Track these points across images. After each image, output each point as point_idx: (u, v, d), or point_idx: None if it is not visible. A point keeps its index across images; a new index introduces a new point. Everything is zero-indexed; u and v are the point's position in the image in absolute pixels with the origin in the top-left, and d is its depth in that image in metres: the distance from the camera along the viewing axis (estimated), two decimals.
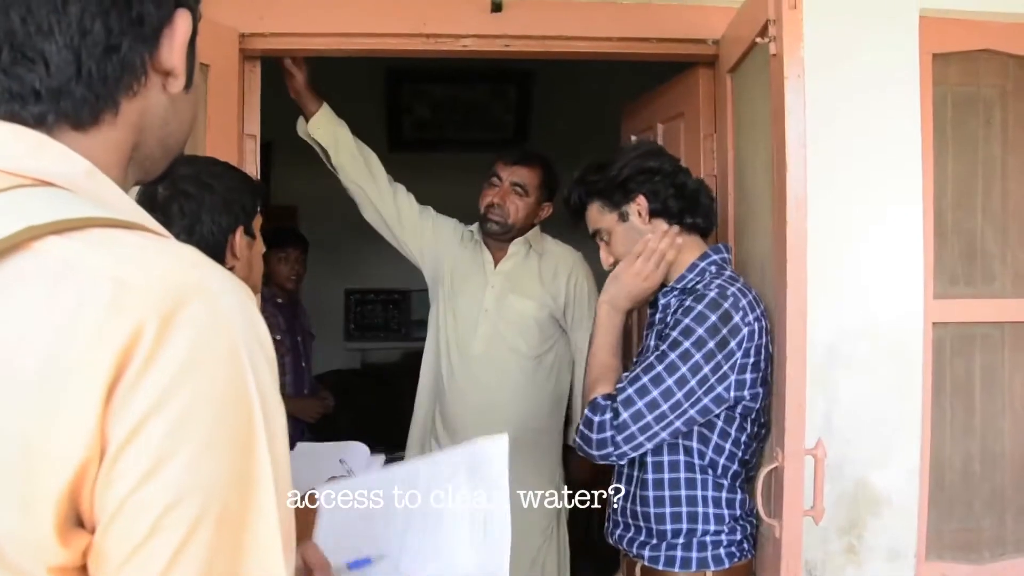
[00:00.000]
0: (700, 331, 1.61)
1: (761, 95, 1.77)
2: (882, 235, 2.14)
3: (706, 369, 1.61)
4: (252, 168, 2.18)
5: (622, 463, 1.74)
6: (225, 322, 0.58)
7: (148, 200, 1.45)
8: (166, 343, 0.55)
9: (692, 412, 1.63)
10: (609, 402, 1.65)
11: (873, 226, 2.14)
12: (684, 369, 1.60)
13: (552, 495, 2.57)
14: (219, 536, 0.55)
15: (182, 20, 0.70)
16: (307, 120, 2.46)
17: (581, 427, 1.68)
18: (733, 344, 1.61)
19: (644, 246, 1.75)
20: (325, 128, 2.47)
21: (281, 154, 3.69)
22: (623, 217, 1.77)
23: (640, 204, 1.75)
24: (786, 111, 1.58)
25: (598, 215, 1.80)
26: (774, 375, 1.67)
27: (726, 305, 1.62)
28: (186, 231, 1.45)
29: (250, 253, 1.55)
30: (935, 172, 2.18)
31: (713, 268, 1.75)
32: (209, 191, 1.49)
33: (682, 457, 1.69)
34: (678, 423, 1.63)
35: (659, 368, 1.62)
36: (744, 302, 1.64)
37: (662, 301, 1.79)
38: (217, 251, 1.48)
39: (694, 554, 1.69)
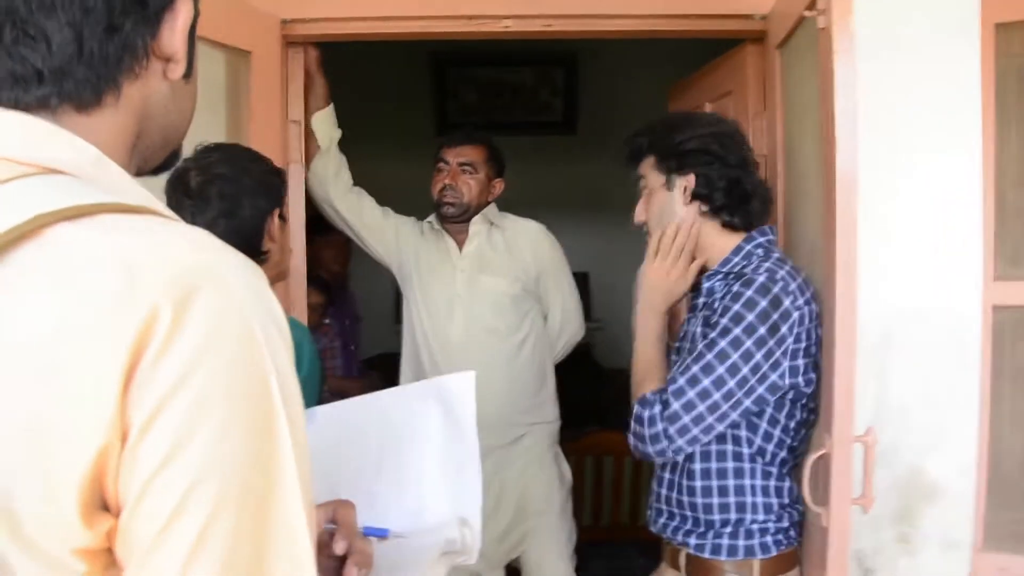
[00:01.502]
0: (751, 317, 1.56)
1: (811, 71, 1.72)
2: (939, 215, 2.06)
3: (758, 356, 1.56)
4: (296, 154, 2.20)
5: (678, 458, 1.70)
6: (239, 303, 0.58)
7: (182, 186, 1.47)
8: (182, 326, 0.55)
9: (747, 402, 1.58)
10: (658, 395, 1.61)
11: (930, 205, 2.06)
12: (736, 357, 1.56)
13: (551, 472, 2.59)
14: (243, 515, 0.56)
15: (184, 5, 0.69)
16: (311, 107, 2.42)
17: (633, 425, 1.65)
18: (784, 329, 1.57)
19: (657, 243, 1.72)
20: (323, 128, 2.47)
21: None
22: (669, 185, 1.72)
23: (688, 182, 1.70)
24: (835, 87, 1.52)
25: (650, 170, 1.76)
26: (823, 360, 1.63)
27: (776, 290, 1.57)
28: (226, 214, 1.46)
29: (283, 237, 1.56)
30: (996, 149, 2.08)
31: (760, 251, 1.69)
32: (247, 174, 1.50)
33: (730, 447, 1.65)
34: (733, 414, 1.59)
35: (709, 356, 1.57)
36: (794, 285, 1.59)
37: (706, 285, 1.74)
38: (256, 234, 1.50)
39: (741, 542, 1.65)
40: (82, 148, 0.64)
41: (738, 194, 1.69)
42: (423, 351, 2.55)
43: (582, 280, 5.36)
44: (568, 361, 2.80)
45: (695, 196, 1.70)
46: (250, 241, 1.49)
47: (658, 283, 1.74)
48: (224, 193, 1.47)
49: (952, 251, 2.06)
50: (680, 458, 1.70)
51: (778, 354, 1.57)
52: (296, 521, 0.58)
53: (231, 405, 0.56)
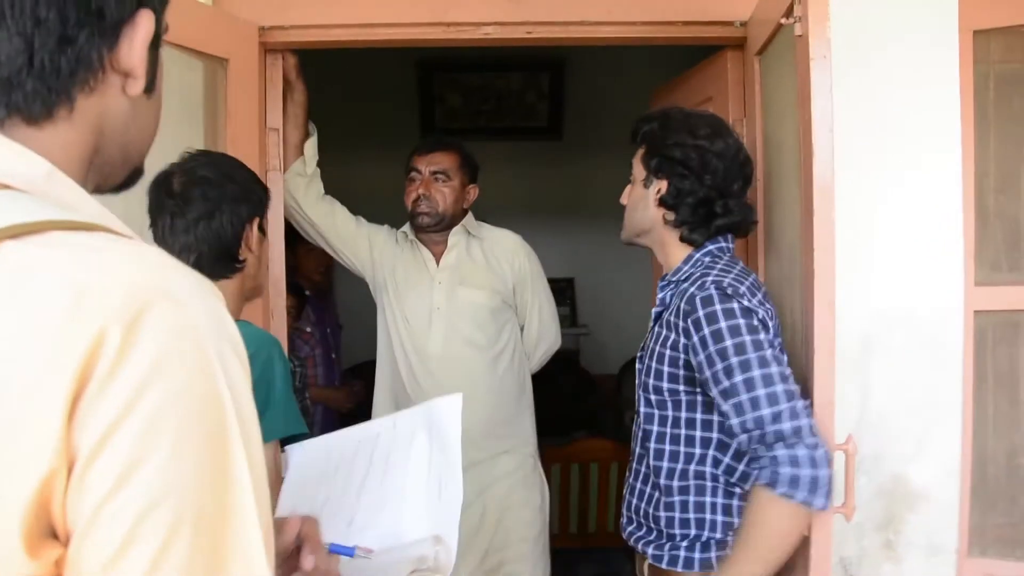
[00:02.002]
0: (738, 321, 1.52)
1: (789, 78, 1.72)
2: (920, 220, 2.06)
3: (766, 350, 1.51)
4: (275, 161, 2.18)
5: (647, 469, 1.68)
6: (192, 324, 0.57)
7: (165, 186, 1.46)
8: (131, 349, 0.53)
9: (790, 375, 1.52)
10: (770, 446, 1.46)
11: (910, 211, 2.06)
12: (752, 355, 1.50)
13: (535, 497, 2.57)
14: (198, 540, 0.54)
15: (144, 20, 0.67)
16: (290, 114, 2.37)
17: (797, 493, 1.44)
18: (760, 322, 1.55)
19: None
20: (311, 151, 2.45)
21: None
22: (646, 182, 1.73)
23: (661, 188, 1.70)
24: (812, 93, 1.52)
25: (637, 161, 1.77)
26: (803, 368, 1.62)
27: (731, 292, 1.55)
28: (206, 216, 1.46)
29: (260, 249, 1.54)
30: (976, 154, 2.09)
31: (707, 258, 1.68)
32: (231, 181, 1.49)
33: (694, 466, 1.64)
34: (794, 386, 1.51)
35: (738, 378, 1.49)
36: (744, 288, 1.58)
37: (660, 295, 1.75)
38: (233, 242, 1.49)
39: (697, 555, 1.64)
40: (33, 162, 0.62)
41: (703, 213, 1.68)
42: (401, 363, 2.52)
43: (568, 285, 5.38)
44: (554, 368, 2.78)
45: (662, 203, 1.70)
46: (227, 247, 1.48)
47: None
48: (207, 196, 1.46)
49: (933, 256, 2.06)
50: (651, 473, 1.70)
51: (773, 344, 1.55)
52: (253, 544, 0.57)
53: (184, 428, 0.54)
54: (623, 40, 2.21)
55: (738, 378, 1.50)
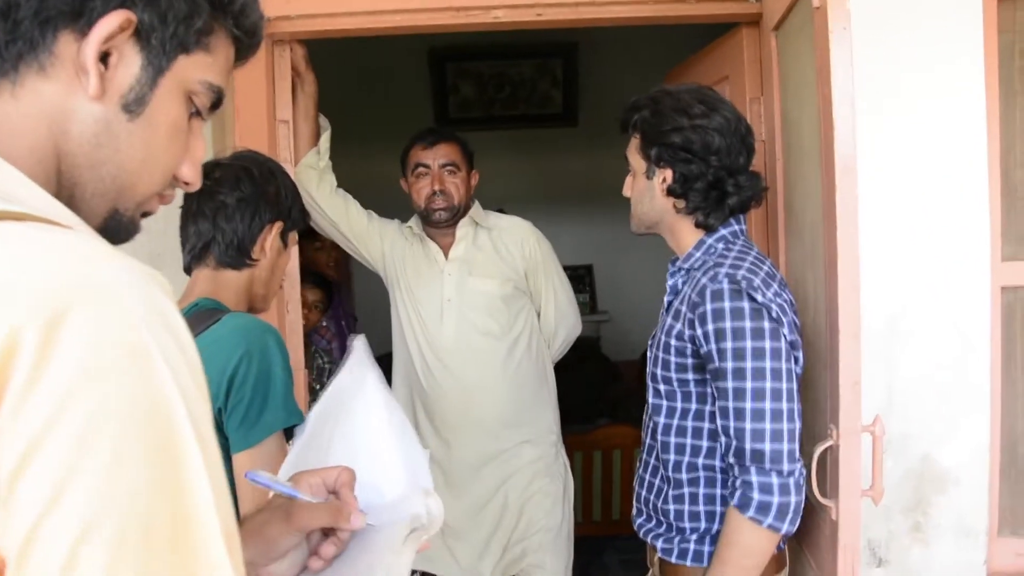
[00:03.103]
0: (729, 324, 1.49)
1: (807, 53, 1.67)
2: (944, 196, 2.01)
3: (781, 344, 1.49)
4: (286, 154, 2.16)
5: (657, 462, 1.65)
6: (126, 320, 0.51)
7: (204, 170, 1.45)
8: (53, 352, 0.48)
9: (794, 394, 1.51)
10: (751, 467, 1.47)
11: (934, 187, 2.01)
12: (769, 363, 1.47)
13: (558, 487, 2.55)
14: (150, 557, 0.49)
15: (112, 18, 0.63)
16: (300, 106, 2.34)
17: (769, 520, 1.47)
18: (776, 319, 1.50)
19: None
20: (324, 146, 2.43)
21: None
22: (648, 173, 1.66)
23: (666, 177, 1.63)
24: (832, 66, 1.47)
25: (633, 152, 1.69)
26: (828, 350, 1.59)
27: (744, 287, 1.49)
28: (232, 206, 1.46)
29: (276, 258, 1.53)
30: (1001, 128, 2.03)
31: (720, 244, 1.64)
32: (268, 182, 1.49)
33: (702, 459, 1.61)
34: (798, 406, 1.51)
35: (749, 384, 1.47)
36: (758, 281, 1.52)
37: (670, 282, 1.71)
38: (248, 237, 1.47)
39: (706, 548, 1.61)
40: None
41: (716, 196, 1.62)
42: (415, 356, 2.51)
43: (586, 272, 5.34)
44: (575, 355, 2.75)
45: (670, 192, 1.64)
46: (241, 242, 1.47)
47: None
48: (240, 187, 1.46)
49: (958, 232, 2.01)
50: (660, 466, 1.67)
51: (784, 345, 1.51)
52: (215, 553, 0.52)
53: (123, 436, 0.49)
54: (635, 20, 2.17)
55: (729, 384, 1.49)
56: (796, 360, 1.56)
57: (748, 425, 1.47)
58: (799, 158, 1.85)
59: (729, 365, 1.49)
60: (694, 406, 1.61)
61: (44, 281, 0.50)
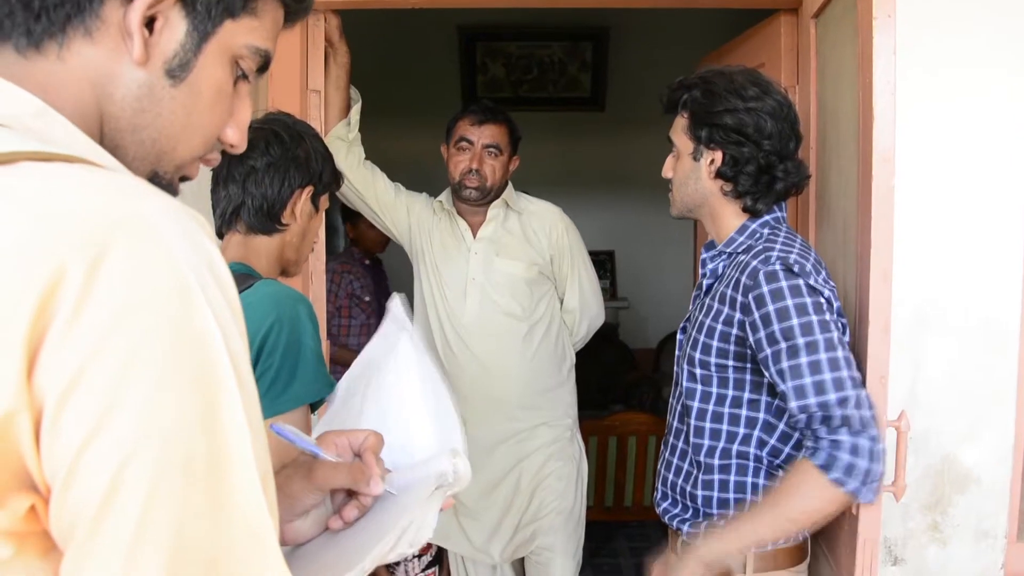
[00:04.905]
0: (792, 302, 1.45)
1: (848, 41, 1.65)
2: (976, 190, 1.98)
3: (834, 332, 1.45)
4: (317, 124, 2.16)
5: (686, 446, 1.64)
6: (167, 253, 0.52)
7: None
8: (97, 284, 0.49)
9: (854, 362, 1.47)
10: (824, 426, 1.43)
11: (966, 181, 1.98)
12: (819, 336, 1.44)
13: (571, 469, 2.55)
14: (190, 487, 0.51)
15: None
16: (332, 76, 2.34)
17: (845, 478, 1.42)
18: (825, 300, 1.49)
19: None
20: (355, 119, 2.43)
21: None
22: (696, 154, 1.63)
23: (715, 159, 1.61)
24: (874, 55, 1.45)
25: (680, 131, 1.66)
26: (855, 342, 1.57)
27: (797, 270, 1.48)
28: (262, 169, 1.46)
29: (307, 223, 1.52)
30: None
31: (766, 230, 1.61)
32: (298, 145, 1.48)
33: (736, 446, 1.59)
34: (858, 372, 1.47)
35: (804, 359, 1.43)
36: (809, 266, 1.51)
37: (710, 266, 1.68)
38: (278, 201, 1.47)
39: None
40: (23, 100, 0.59)
41: (766, 181, 1.59)
42: (435, 331, 2.51)
43: (608, 258, 5.33)
44: (593, 341, 2.75)
45: (719, 175, 1.62)
46: (271, 205, 1.47)
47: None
48: (269, 151, 1.46)
49: (990, 227, 1.98)
50: (689, 450, 1.65)
51: (839, 327, 1.49)
52: (249, 487, 0.53)
53: (164, 366, 0.50)
54: (669, 3, 2.14)
55: (803, 359, 1.44)
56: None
57: (832, 395, 1.41)
58: (834, 147, 1.83)
59: (800, 341, 1.44)
60: (731, 392, 1.59)
61: (87, 216, 0.51)
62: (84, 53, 0.63)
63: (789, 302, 1.46)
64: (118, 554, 0.49)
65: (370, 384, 0.96)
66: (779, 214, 1.64)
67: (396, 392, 0.95)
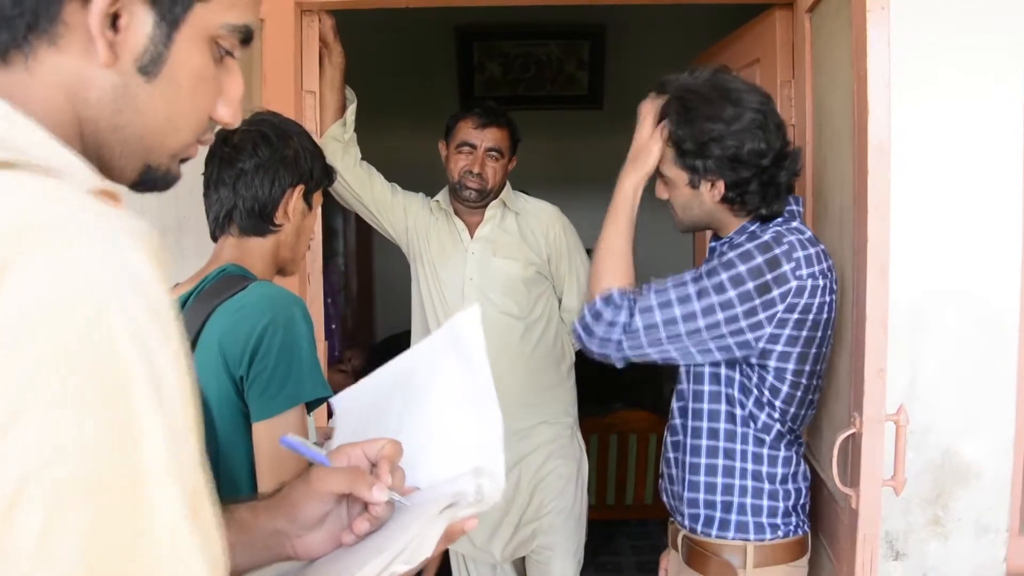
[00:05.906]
0: (741, 268, 1.51)
1: (842, 35, 1.64)
2: (974, 184, 1.97)
3: (739, 309, 1.51)
4: (311, 125, 2.15)
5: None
6: (85, 264, 0.49)
7: (223, 137, 1.45)
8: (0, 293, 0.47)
9: (711, 345, 1.54)
10: (626, 302, 1.56)
11: (964, 176, 1.97)
12: (715, 299, 1.51)
13: (571, 469, 2.55)
14: (99, 507, 0.48)
15: None
16: (327, 77, 2.34)
17: (587, 316, 1.59)
18: (776, 294, 1.50)
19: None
20: (350, 119, 2.42)
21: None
22: (692, 183, 1.61)
23: (717, 186, 1.59)
24: (868, 48, 1.45)
25: (668, 165, 1.63)
26: (853, 336, 1.57)
27: (777, 251, 1.51)
28: (251, 171, 1.45)
29: (301, 221, 1.52)
30: None
31: (779, 218, 1.63)
32: (286, 144, 1.47)
33: (722, 444, 1.64)
34: (693, 349, 1.55)
35: (691, 289, 1.53)
36: (801, 254, 1.52)
37: (717, 248, 1.70)
38: (269, 203, 1.46)
39: (734, 516, 1.63)
40: None
41: (773, 192, 1.60)
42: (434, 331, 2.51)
43: None
44: None
45: (725, 200, 1.62)
46: (263, 206, 1.46)
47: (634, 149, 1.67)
48: (258, 152, 1.45)
49: (988, 221, 1.97)
50: (687, 439, 1.68)
51: (762, 316, 1.51)
52: (172, 513, 0.50)
53: (68, 382, 0.47)
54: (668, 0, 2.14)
55: (690, 289, 1.54)
56: (775, 339, 1.54)
57: (653, 300, 1.56)
58: (830, 142, 1.82)
59: (702, 270, 1.55)
60: (717, 388, 1.63)
61: (6, 222, 0.49)
62: (51, 61, 0.61)
63: (734, 257, 1.52)
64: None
65: (408, 400, 0.95)
66: (795, 208, 1.65)
67: (437, 413, 0.94)
